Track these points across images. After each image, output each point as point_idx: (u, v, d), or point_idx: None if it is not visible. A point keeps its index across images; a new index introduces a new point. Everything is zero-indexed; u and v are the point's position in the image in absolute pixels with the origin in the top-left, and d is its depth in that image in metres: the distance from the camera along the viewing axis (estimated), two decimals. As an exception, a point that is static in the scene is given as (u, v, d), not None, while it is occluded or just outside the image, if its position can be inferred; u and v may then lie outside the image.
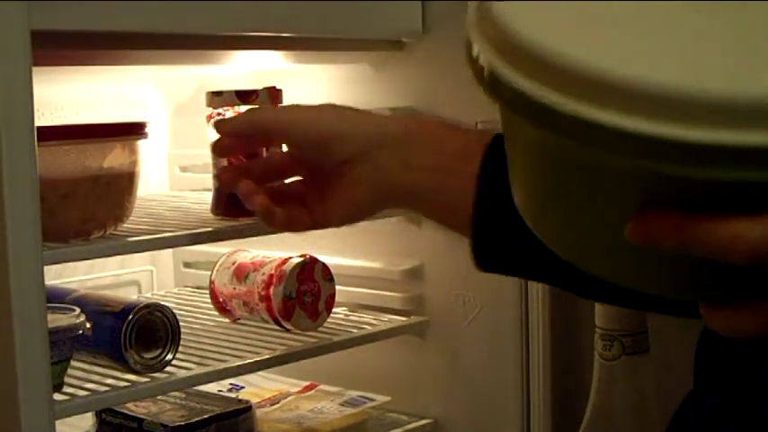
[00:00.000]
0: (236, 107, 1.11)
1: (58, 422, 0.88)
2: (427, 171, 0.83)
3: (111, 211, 1.00)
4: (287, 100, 1.15)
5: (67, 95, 1.35)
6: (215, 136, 1.13)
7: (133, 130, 1.03)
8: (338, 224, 0.90)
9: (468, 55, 0.49)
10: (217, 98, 1.12)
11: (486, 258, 0.82)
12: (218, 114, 1.12)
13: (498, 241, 0.80)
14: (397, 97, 1.25)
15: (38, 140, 0.84)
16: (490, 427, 1.23)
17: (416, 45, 1.23)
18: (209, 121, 1.13)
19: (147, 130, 1.04)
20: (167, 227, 1.06)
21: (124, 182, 1.01)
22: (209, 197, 1.15)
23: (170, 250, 1.48)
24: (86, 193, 0.97)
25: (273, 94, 1.13)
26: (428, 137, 0.85)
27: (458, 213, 0.82)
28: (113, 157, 1.00)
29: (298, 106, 0.95)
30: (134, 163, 1.02)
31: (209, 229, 1.07)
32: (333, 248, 1.31)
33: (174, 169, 1.49)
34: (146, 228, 1.06)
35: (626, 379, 1.06)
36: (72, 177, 0.96)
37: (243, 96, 1.11)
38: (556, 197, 0.49)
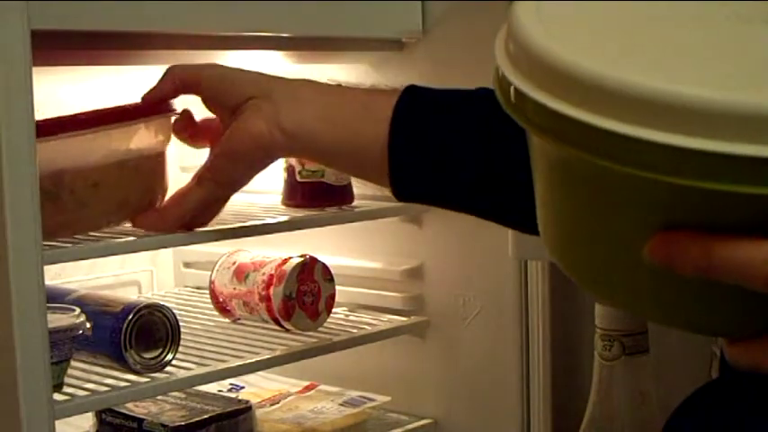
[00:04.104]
0: None
1: (57, 422, 0.87)
2: (315, 105, 0.89)
3: (145, 195, 1.00)
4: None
5: (67, 95, 1.35)
6: None
7: (157, 109, 1.00)
8: (244, 159, 0.93)
9: (494, 76, 0.48)
10: None
11: (404, 189, 0.87)
12: None
13: (415, 170, 0.85)
14: (397, 97, 1.25)
15: (60, 132, 0.83)
16: (490, 427, 1.23)
17: (416, 45, 1.23)
18: None
19: (173, 107, 1.01)
20: (167, 227, 1.06)
21: (153, 163, 1.00)
22: (208, 197, 1.15)
23: (170, 250, 1.48)
24: (117, 178, 0.96)
25: None
26: (319, 84, 0.93)
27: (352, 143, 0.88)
28: (139, 139, 0.98)
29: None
30: (162, 142, 1.01)
31: (209, 229, 1.06)
32: (333, 248, 1.31)
33: (173, 169, 1.48)
34: (146, 227, 1.05)
35: (626, 379, 1.06)
36: (100, 165, 0.95)
37: None
38: (580, 221, 0.48)
